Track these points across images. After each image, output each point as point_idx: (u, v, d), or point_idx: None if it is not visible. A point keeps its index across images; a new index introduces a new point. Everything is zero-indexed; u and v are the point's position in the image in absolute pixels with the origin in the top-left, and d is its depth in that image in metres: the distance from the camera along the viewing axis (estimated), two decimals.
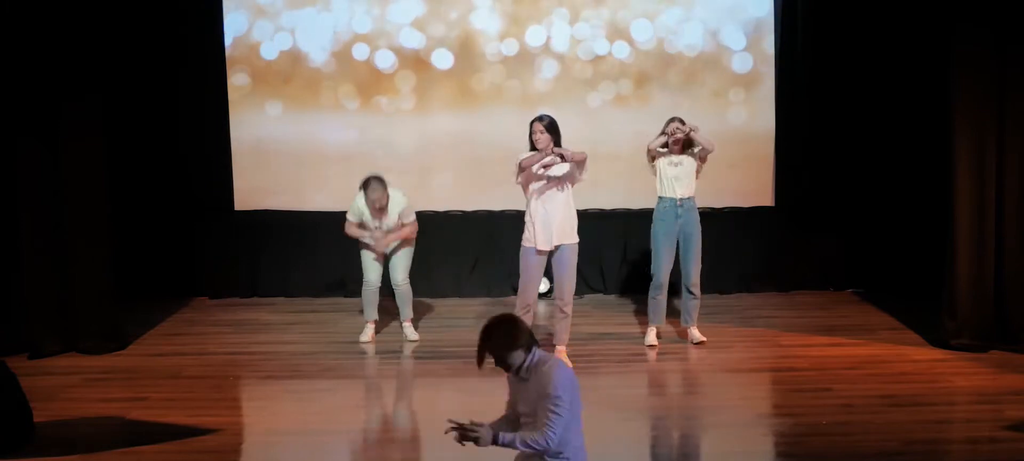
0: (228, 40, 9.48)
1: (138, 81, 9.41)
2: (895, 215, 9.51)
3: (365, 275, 8.00)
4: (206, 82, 9.48)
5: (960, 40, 7.44)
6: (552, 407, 4.18)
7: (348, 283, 9.59)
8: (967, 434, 6.19)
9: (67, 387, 7.06)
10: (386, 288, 8.11)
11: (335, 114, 9.55)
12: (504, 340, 4.26)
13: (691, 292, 7.80)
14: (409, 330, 8.20)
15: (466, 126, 9.53)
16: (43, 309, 7.78)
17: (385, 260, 8.03)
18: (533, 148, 7.01)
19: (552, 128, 6.97)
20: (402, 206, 7.88)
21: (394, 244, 7.97)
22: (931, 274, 8.31)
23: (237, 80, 9.53)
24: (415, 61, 9.49)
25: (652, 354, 7.74)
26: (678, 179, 7.61)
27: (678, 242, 7.70)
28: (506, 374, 4.37)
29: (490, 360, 4.29)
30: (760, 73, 9.55)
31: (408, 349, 7.97)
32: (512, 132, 9.17)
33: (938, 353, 7.56)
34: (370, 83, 9.52)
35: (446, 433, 4.20)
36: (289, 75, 9.51)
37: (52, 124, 7.64)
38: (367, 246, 7.93)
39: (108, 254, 7.95)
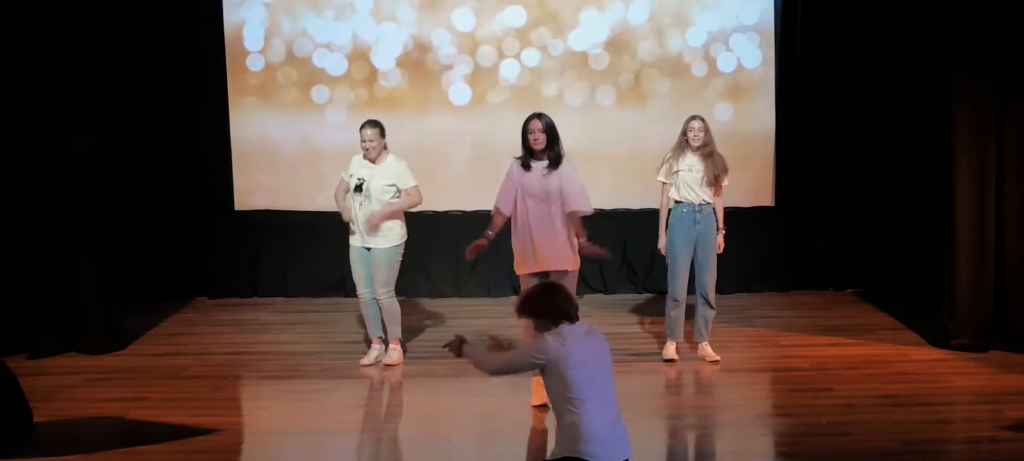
0: (228, 39, 9.47)
1: (138, 81, 9.41)
2: (895, 215, 9.50)
3: (357, 286, 7.43)
4: (206, 82, 9.48)
5: (960, 41, 7.43)
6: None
7: (348, 283, 9.56)
8: (967, 434, 6.18)
9: (67, 387, 7.06)
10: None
11: (336, 114, 9.55)
12: None
13: (708, 302, 7.34)
14: (392, 350, 7.47)
15: (466, 126, 9.52)
16: (43, 309, 7.77)
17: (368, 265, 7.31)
18: (527, 147, 6.70)
19: (550, 130, 6.63)
20: (400, 170, 7.29)
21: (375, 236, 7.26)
22: (931, 274, 8.31)
23: (237, 80, 9.53)
24: (416, 61, 9.49)
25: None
26: (698, 183, 7.23)
27: (695, 250, 7.30)
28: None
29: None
30: (760, 73, 9.55)
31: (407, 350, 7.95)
32: (513, 132, 9.15)
33: (938, 353, 7.56)
34: (371, 83, 9.51)
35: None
36: (290, 75, 9.51)
37: (52, 124, 7.63)
38: (349, 227, 7.30)
39: (108, 254, 7.95)
